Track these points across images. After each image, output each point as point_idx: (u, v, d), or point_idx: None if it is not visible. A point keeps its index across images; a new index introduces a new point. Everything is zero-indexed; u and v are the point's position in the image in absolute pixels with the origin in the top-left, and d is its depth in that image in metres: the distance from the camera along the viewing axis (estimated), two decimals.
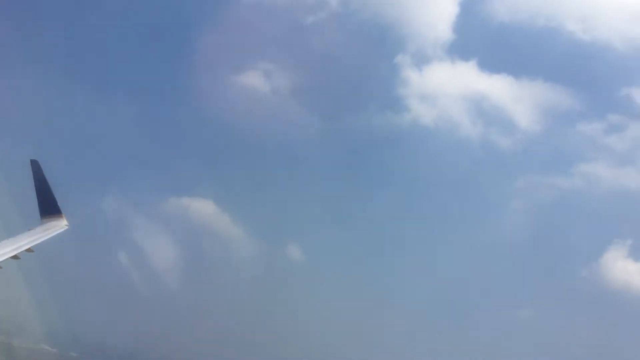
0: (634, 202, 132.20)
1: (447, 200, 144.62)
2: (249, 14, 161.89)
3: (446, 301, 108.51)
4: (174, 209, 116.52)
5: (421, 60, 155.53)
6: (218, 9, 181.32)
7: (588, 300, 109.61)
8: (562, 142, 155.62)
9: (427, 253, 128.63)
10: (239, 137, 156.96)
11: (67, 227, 19.21)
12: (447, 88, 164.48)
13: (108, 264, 76.45)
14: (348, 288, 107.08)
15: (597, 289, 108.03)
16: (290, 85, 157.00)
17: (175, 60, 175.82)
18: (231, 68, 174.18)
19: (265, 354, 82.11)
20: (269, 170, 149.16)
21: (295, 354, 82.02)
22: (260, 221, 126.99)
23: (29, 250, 16.88)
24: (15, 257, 16.19)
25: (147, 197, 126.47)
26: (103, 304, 75.49)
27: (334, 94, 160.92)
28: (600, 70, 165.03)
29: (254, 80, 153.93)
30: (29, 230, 18.08)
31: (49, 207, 19.50)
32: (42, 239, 17.82)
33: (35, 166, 19.93)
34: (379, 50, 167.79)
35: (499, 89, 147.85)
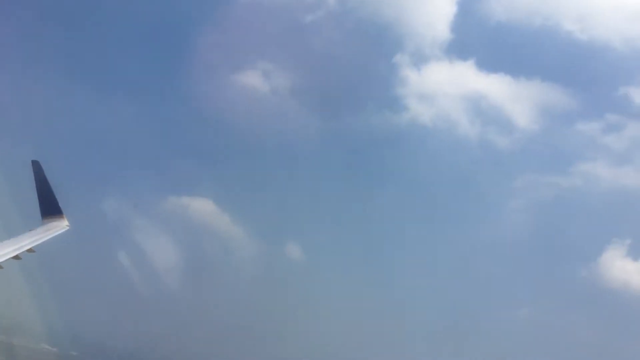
0: (632, 201, 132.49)
1: (445, 200, 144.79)
2: (247, 14, 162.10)
3: (445, 300, 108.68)
4: (173, 208, 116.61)
5: (419, 59, 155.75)
6: (216, 8, 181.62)
7: (587, 299, 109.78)
8: (561, 141, 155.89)
9: (425, 252, 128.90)
10: (237, 136, 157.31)
11: (68, 228, 19.30)
12: (445, 87, 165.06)
13: (108, 264, 76.46)
14: (347, 287, 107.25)
15: (596, 288, 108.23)
16: (288, 85, 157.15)
17: (174, 59, 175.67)
18: (230, 67, 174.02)
19: (265, 353, 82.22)
20: (268, 170, 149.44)
21: (295, 354, 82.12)
22: (260, 220, 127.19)
23: (30, 250, 16.95)
24: (16, 257, 16.26)
25: (147, 196, 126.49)
26: (103, 303, 75.62)
27: (332, 93, 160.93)
28: (598, 70, 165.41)
29: (252, 79, 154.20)
30: (30, 230, 18.16)
31: (50, 208, 19.59)
32: (43, 240, 17.91)
33: (36, 166, 20.04)
34: (377, 50, 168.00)
35: (496, 88, 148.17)
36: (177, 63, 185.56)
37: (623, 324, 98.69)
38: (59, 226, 19.16)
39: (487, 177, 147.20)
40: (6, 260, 15.78)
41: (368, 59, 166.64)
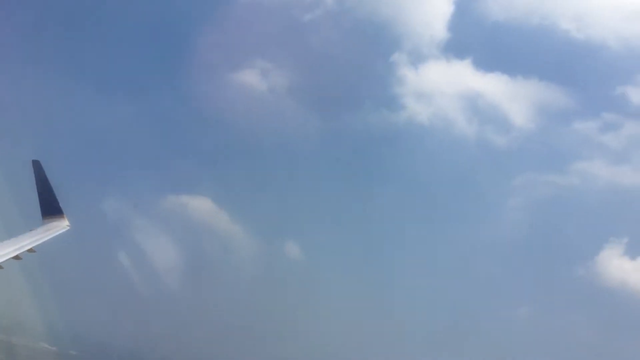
0: (629, 200, 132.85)
1: (443, 198, 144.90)
2: (245, 13, 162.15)
3: (443, 298, 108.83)
4: (172, 207, 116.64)
5: (417, 58, 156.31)
6: (214, 7, 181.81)
7: (584, 298, 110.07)
8: (558, 140, 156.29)
9: (423, 250, 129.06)
10: (235, 135, 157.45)
11: (68, 228, 19.26)
12: (442, 86, 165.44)
13: (108, 263, 76.48)
14: (345, 285, 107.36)
15: (593, 287, 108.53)
16: (286, 84, 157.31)
17: (172, 59, 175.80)
18: (228, 66, 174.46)
19: (265, 353, 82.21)
20: (266, 168, 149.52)
21: (294, 353, 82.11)
22: (258, 219, 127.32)
23: (30, 250, 16.92)
24: (16, 257, 16.23)
25: (146, 196, 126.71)
26: (103, 303, 75.62)
27: (330, 92, 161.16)
28: (594, 69, 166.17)
29: (250, 78, 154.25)
30: (31, 230, 18.13)
31: (50, 208, 19.56)
32: (44, 239, 17.87)
33: (37, 166, 20.00)
34: (375, 49, 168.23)
35: (494, 87, 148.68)
36: (174, 62, 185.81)
37: (620, 323, 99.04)
38: (60, 226, 19.12)
39: (484, 176, 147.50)
40: (6, 260, 15.75)
41: (366, 58, 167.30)
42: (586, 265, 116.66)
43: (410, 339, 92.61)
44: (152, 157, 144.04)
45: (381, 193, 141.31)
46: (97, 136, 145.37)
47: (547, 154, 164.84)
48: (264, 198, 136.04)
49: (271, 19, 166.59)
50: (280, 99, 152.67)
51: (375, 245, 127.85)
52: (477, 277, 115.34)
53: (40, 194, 19.75)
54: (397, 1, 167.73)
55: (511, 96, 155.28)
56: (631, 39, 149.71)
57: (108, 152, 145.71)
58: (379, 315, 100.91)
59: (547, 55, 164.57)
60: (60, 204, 19.78)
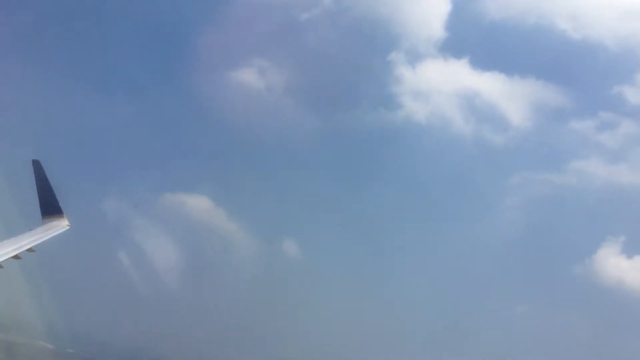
0: (626, 199, 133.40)
1: (440, 197, 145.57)
2: (243, 12, 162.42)
3: (441, 297, 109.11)
4: (171, 205, 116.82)
5: (414, 57, 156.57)
6: (211, 6, 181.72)
7: (582, 296, 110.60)
8: (555, 139, 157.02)
9: (420, 248, 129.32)
10: (232, 133, 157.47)
11: (68, 227, 19.29)
12: (440, 85, 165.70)
13: (107, 263, 76.54)
14: (342, 283, 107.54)
15: (590, 286, 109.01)
16: (284, 83, 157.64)
17: (169, 57, 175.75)
18: (225, 65, 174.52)
19: (264, 352, 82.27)
20: (263, 166, 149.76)
21: (293, 353, 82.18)
22: (256, 217, 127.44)
23: (30, 250, 16.94)
24: (16, 256, 16.25)
25: (145, 194, 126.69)
26: (102, 302, 75.68)
27: (328, 90, 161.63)
28: (591, 68, 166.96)
29: (248, 77, 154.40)
30: (30, 230, 18.15)
31: (50, 207, 19.58)
32: (44, 239, 17.89)
33: (37, 166, 20.02)
34: (372, 48, 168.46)
35: (491, 86, 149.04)
36: (172, 61, 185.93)
37: (617, 320, 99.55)
38: (59, 226, 19.15)
39: (482, 174, 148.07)
40: (6, 259, 15.76)
41: (363, 57, 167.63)
42: (583, 264, 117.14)
43: (407, 337, 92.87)
44: (150, 156, 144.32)
45: (378, 191, 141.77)
46: (95, 135, 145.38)
47: (544, 153, 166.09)
48: (261, 196, 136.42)
49: (269, 18, 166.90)
50: (277, 98, 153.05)
51: (372, 244, 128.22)
52: (474, 276, 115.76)
53: (40, 194, 19.78)
54: (395, 0, 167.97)
55: (508, 95, 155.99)
56: (627, 39, 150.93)
57: (106, 151, 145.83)
58: (375, 314, 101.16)
59: (544, 54, 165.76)
60: (60, 204, 19.82)
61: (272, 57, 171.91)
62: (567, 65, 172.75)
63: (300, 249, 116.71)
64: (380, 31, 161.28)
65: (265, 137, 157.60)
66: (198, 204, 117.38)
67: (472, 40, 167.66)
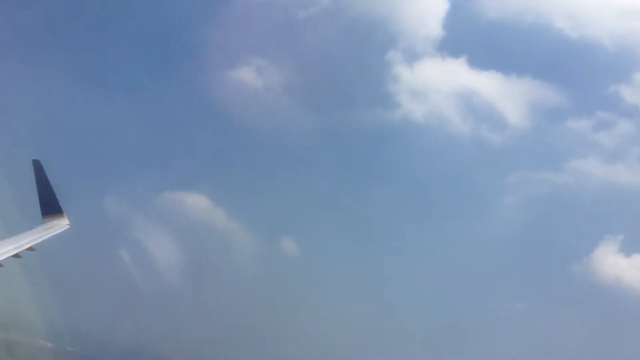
0: (624, 198, 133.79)
1: (438, 196, 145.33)
2: (240, 11, 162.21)
3: (439, 296, 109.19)
4: (170, 204, 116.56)
5: (412, 56, 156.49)
6: (209, 5, 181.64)
7: (580, 294, 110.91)
8: (552, 138, 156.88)
9: (418, 248, 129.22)
10: (230, 132, 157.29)
11: (68, 227, 19.44)
12: (437, 84, 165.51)
13: (106, 261, 76.68)
14: (339, 282, 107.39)
15: (588, 284, 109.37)
16: (282, 81, 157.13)
17: (166, 55, 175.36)
18: (223, 64, 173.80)
19: (263, 352, 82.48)
20: (261, 165, 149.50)
21: (292, 352, 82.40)
22: (255, 216, 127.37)
23: (30, 249, 17.09)
24: (16, 255, 16.39)
25: (144, 193, 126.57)
26: (102, 301, 75.81)
27: (325, 89, 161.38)
28: (588, 68, 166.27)
29: (246, 76, 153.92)
30: (31, 229, 18.30)
31: (50, 207, 19.73)
32: (44, 238, 18.04)
33: (37, 166, 20.16)
34: (370, 47, 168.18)
35: (488, 85, 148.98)
36: (169, 58, 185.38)
37: (615, 319, 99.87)
38: (60, 225, 19.30)
39: (479, 173, 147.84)
40: (6, 258, 15.91)
41: (361, 56, 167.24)
42: (581, 262, 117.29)
43: (405, 335, 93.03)
44: (149, 154, 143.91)
45: (376, 190, 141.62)
46: (93, 134, 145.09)
47: (542, 152, 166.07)
48: (259, 195, 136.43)
49: (266, 17, 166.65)
50: (275, 97, 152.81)
51: (370, 243, 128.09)
52: (472, 274, 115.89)
53: (40, 193, 19.92)
54: None
55: (506, 94, 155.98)
56: (625, 38, 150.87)
57: (104, 150, 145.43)
58: (372, 312, 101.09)
59: (542, 53, 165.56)
60: (60, 203, 19.97)
61: (270, 56, 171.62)
62: (565, 65, 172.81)
63: (298, 247, 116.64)
64: (378, 30, 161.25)
65: (262, 135, 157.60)
66: (197, 203, 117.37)
67: (469, 39, 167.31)
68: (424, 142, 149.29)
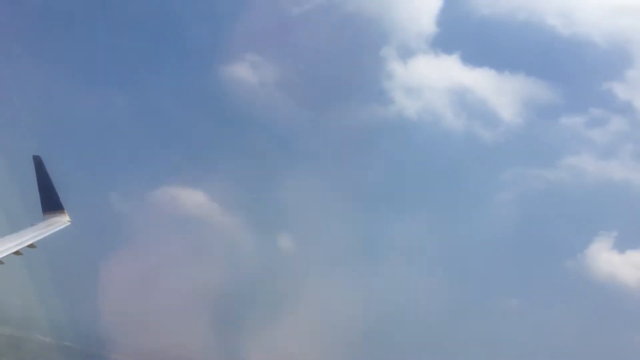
0: (617, 194, 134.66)
1: (432, 192, 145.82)
2: (235, 6, 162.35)
3: (434, 291, 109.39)
4: (168, 200, 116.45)
5: (406, 53, 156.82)
6: (203, 1, 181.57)
7: (574, 290, 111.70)
8: (545, 135, 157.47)
9: (412, 244, 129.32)
10: (226, 128, 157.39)
11: (69, 223, 19.35)
12: (431, 81, 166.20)
13: (106, 257, 76.67)
14: (337, 281, 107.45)
15: (582, 280, 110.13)
16: (276, 77, 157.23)
17: (163, 51, 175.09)
18: (218, 59, 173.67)
19: (264, 351, 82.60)
20: (255, 161, 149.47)
21: (292, 352, 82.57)
22: (252, 212, 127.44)
23: (31, 246, 17.02)
24: (17, 252, 16.34)
25: (143, 190, 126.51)
26: (101, 297, 75.84)
27: (319, 86, 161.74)
28: (581, 65, 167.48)
29: (241, 71, 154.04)
30: (32, 226, 18.22)
31: (51, 203, 19.61)
32: (44, 235, 17.97)
33: (38, 162, 20.03)
34: (364, 43, 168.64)
35: (481, 82, 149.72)
36: (165, 54, 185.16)
37: (608, 315, 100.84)
38: (60, 222, 19.21)
39: (473, 170, 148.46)
40: (7, 255, 15.85)
41: (355, 52, 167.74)
42: (575, 259, 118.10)
43: (400, 332, 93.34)
44: (148, 151, 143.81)
45: (369, 187, 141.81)
46: (90, 130, 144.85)
47: (535, 149, 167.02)
48: (254, 191, 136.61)
49: (260, 13, 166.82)
50: (270, 92, 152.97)
51: (363, 239, 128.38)
52: (466, 271, 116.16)
53: (41, 190, 19.80)
54: None
55: (499, 91, 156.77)
56: (616, 35, 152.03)
57: (100, 146, 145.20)
58: (364, 309, 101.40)
59: (534, 50, 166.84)
60: (61, 200, 19.86)
61: (264, 52, 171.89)
62: (557, 62, 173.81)
63: (294, 243, 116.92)
64: (372, 26, 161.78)
65: (257, 132, 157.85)
66: (196, 198, 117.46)
67: (463, 35, 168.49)
68: (417, 138, 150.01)
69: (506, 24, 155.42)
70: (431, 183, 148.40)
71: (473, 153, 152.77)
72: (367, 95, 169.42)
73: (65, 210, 19.78)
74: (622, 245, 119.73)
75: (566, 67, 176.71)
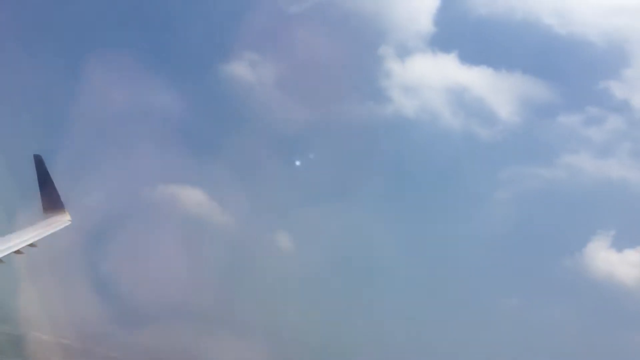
0: (615, 193, 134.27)
1: (429, 192, 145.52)
2: (231, 4, 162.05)
3: (433, 291, 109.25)
4: (168, 198, 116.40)
5: (404, 51, 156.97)
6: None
7: (572, 289, 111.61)
8: (543, 133, 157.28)
9: (410, 244, 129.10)
10: (223, 127, 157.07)
11: (70, 223, 19.35)
12: (428, 79, 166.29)
13: (106, 256, 76.60)
14: (334, 280, 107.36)
15: (580, 279, 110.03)
16: (274, 76, 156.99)
17: (160, 49, 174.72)
18: (215, 58, 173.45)
19: (263, 350, 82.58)
20: (254, 160, 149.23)
21: (292, 351, 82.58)
22: (250, 211, 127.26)
23: (31, 245, 17.02)
24: (18, 251, 16.34)
25: (142, 188, 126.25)
26: (102, 297, 75.86)
27: (317, 85, 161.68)
28: (578, 64, 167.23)
29: (239, 70, 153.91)
30: (32, 225, 18.22)
31: (51, 202, 19.62)
32: (45, 234, 17.97)
33: (38, 161, 20.02)
34: (362, 42, 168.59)
35: (479, 80, 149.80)
36: (161, 52, 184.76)
37: (606, 313, 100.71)
38: (61, 221, 19.23)
39: (470, 169, 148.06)
40: (8, 254, 15.86)
41: (353, 51, 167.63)
42: (573, 258, 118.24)
43: (397, 331, 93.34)
44: (146, 149, 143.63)
45: (367, 186, 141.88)
46: (90, 130, 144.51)
47: (533, 147, 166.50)
48: (253, 190, 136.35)
49: (257, 11, 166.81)
50: (267, 91, 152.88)
51: (361, 239, 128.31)
52: (463, 270, 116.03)
53: (41, 189, 19.81)
54: None
55: (496, 89, 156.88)
56: (613, 35, 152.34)
57: (100, 145, 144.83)
58: (362, 309, 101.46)
59: (531, 49, 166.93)
60: (62, 199, 19.86)
61: (262, 51, 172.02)
62: (554, 61, 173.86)
63: (292, 242, 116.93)
64: (370, 25, 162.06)
65: (255, 131, 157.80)
66: (195, 197, 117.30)
67: (460, 34, 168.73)
68: (415, 137, 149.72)
69: (503, 23, 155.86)
70: (428, 181, 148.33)
71: (470, 151, 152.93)
72: (365, 93, 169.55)
73: (65, 210, 19.80)
74: (620, 244, 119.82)
75: (563, 66, 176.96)
